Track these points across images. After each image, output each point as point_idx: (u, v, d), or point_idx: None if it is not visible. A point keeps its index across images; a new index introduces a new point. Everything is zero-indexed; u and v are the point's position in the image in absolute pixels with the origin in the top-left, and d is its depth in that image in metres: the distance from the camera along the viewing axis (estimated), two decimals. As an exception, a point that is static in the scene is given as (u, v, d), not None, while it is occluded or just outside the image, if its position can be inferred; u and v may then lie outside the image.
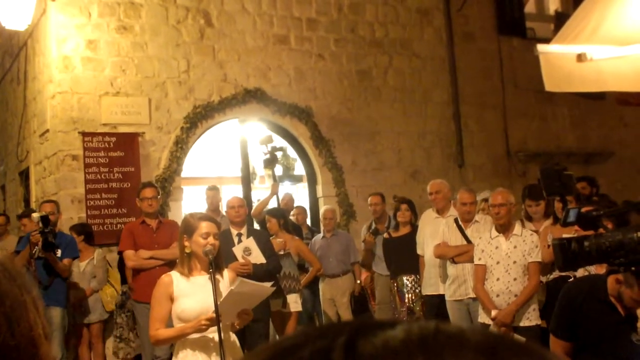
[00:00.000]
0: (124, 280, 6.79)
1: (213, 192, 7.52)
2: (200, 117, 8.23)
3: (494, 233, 5.13)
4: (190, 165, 8.50)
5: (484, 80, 10.27)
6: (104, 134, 7.70)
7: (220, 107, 8.37)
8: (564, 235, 3.03)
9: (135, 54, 7.99)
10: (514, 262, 4.98)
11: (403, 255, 6.55)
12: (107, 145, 7.67)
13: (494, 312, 4.93)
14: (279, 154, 8.49)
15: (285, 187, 9.47)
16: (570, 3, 10.50)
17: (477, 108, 10.16)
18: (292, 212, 8.14)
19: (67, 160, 7.60)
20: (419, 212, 7.06)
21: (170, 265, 5.45)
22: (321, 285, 7.34)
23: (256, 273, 5.66)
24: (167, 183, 7.90)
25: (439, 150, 9.82)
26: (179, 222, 4.40)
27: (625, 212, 3.08)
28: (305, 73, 9.00)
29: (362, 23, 9.46)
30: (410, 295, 6.49)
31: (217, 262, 3.45)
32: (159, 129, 8.06)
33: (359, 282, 7.38)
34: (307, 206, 8.85)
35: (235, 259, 5.70)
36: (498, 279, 5.01)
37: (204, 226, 3.47)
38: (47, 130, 7.92)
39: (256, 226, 7.29)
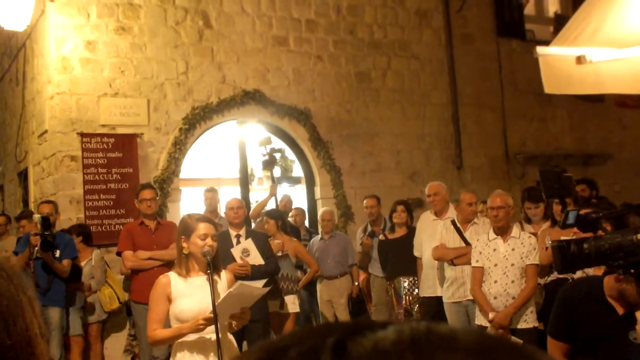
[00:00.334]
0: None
1: (211, 193, 7.53)
2: (198, 119, 8.23)
3: (492, 235, 5.13)
4: (189, 167, 8.50)
5: (483, 82, 10.28)
6: (102, 135, 7.69)
7: (218, 108, 8.37)
8: (563, 238, 3.03)
9: (133, 55, 7.99)
10: (512, 264, 4.98)
11: (399, 257, 6.55)
12: (106, 146, 7.66)
13: (491, 315, 4.92)
14: (277, 156, 8.49)
15: (284, 189, 9.47)
16: (570, 5, 10.52)
17: (475, 110, 10.17)
18: (290, 214, 8.14)
19: (66, 161, 7.59)
20: (417, 213, 7.07)
21: (168, 266, 5.45)
22: (319, 287, 7.33)
23: (255, 274, 5.66)
24: (166, 184, 7.90)
25: (438, 152, 9.82)
26: (178, 223, 4.40)
27: (624, 214, 3.08)
28: (304, 75, 9.00)
29: (360, 25, 9.47)
30: (407, 297, 6.48)
31: (214, 263, 3.45)
32: (158, 130, 8.05)
33: (356, 283, 7.37)
34: (305, 208, 8.85)
35: (233, 260, 5.70)
36: (496, 281, 5.01)
37: (202, 227, 3.47)
38: (46, 131, 7.91)
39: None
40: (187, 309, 3.39)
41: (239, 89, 8.52)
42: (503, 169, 10.32)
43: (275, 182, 8.10)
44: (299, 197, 9.48)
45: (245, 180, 8.91)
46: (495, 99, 10.35)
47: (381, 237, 6.92)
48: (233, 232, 6.00)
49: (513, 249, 5.01)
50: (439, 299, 5.97)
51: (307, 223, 8.52)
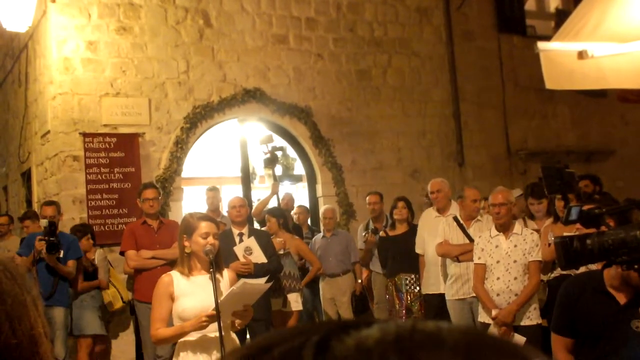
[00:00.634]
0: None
1: (213, 192, 7.53)
2: (200, 118, 8.23)
3: (494, 232, 5.12)
4: (191, 166, 8.50)
5: (484, 79, 10.26)
6: (104, 135, 7.70)
7: (219, 107, 8.37)
8: (566, 234, 3.03)
9: (135, 54, 7.99)
10: (514, 261, 4.97)
11: (400, 254, 6.53)
12: (108, 146, 7.67)
13: (494, 312, 4.92)
14: (279, 154, 8.50)
15: (285, 187, 9.47)
16: (571, 0, 10.50)
17: (477, 107, 10.15)
18: (293, 212, 8.14)
19: (68, 161, 7.60)
20: (419, 211, 7.06)
21: (171, 265, 5.46)
22: (321, 285, 7.33)
23: (257, 272, 5.67)
24: (168, 183, 7.91)
25: (439, 150, 9.81)
26: (180, 222, 4.40)
27: (627, 210, 3.07)
28: (304, 73, 9.00)
29: (361, 22, 9.46)
30: (408, 294, 6.47)
31: (216, 261, 3.45)
32: (159, 129, 8.06)
33: (359, 281, 7.37)
34: (306, 206, 8.84)
35: (236, 258, 5.71)
36: (498, 278, 5.00)
37: (204, 226, 3.47)
38: (48, 132, 7.92)
39: (257, 226, 7.29)
40: (189, 308, 3.39)
41: (240, 87, 8.52)
42: (505, 165, 10.31)
43: (277, 180, 8.10)
44: (300, 195, 9.48)
45: (246, 179, 8.92)
46: (496, 96, 10.34)
47: (381, 233, 6.91)
48: (236, 231, 6.01)
49: (515, 246, 5.00)
50: (442, 296, 5.96)
51: (309, 221, 8.52)
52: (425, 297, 6.35)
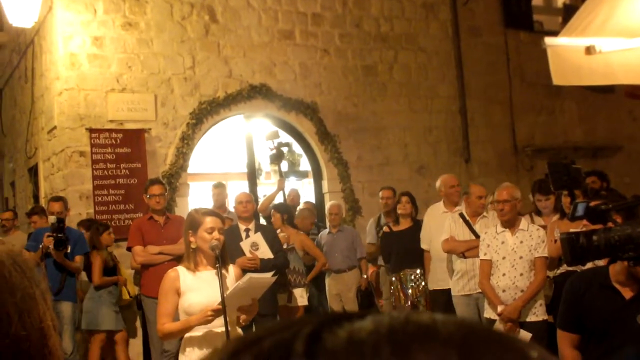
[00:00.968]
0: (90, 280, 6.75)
1: (219, 189, 7.54)
2: (205, 113, 8.24)
3: (500, 228, 5.10)
4: (197, 161, 8.52)
5: (491, 75, 10.23)
6: (110, 131, 7.72)
7: (225, 103, 8.38)
8: (572, 230, 3.02)
9: (140, 50, 8.00)
10: (520, 257, 4.96)
11: (404, 250, 6.51)
12: (114, 142, 7.69)
13: (500, 308, 4.91)
14: (285, 150, 8.50)
15: (291, 183, 9.48)
16: (578, -4, 10.44)
17: (483, 102, 10.13)
18: (299, 207, 8.15)
19: (75, 157, 7.63)
20: (425, 207, 7.04)
21: (178, 260, 5.48)
22: (327, 281, 7.34)
23: (264, 268, 5.68)
24: (174, 179, 7.92)
25: (445, 146, 9.80)
26: (185, 218, 4.41)
27: (634, 206, 3.06)
28: (310, 68, 8.99)
29: (367, 18, 9.44)
30: (414, 290, 6.47)
31: (222, 257, 3.46)
32: (165, 125, 8.08)
33: (365, 276, 7.37)
34: (312, 202, 8.85)
35: (243, 253, 5.72)
36: (504, 274, 4.99)
37: (209, 221, 3.48)
38: (55, 127, 7.95)
39: (263, 221, 7.30)
40: (195, 303, 3.40)
41: (246, 83, 8.52)
42: (511, 162, 10.29)
43: (282, 176, 8.11)
44: (306, 191, 9.49)
45: (252, 175, 8.93)
46: (503, 92, 10.31)
47: (385, 229, 6.89)
48: (242, 226, 6.02)
49: (521, 242, 4.99)
50: (449, 292, 5.95)
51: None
52: (433, 293, 6.33)
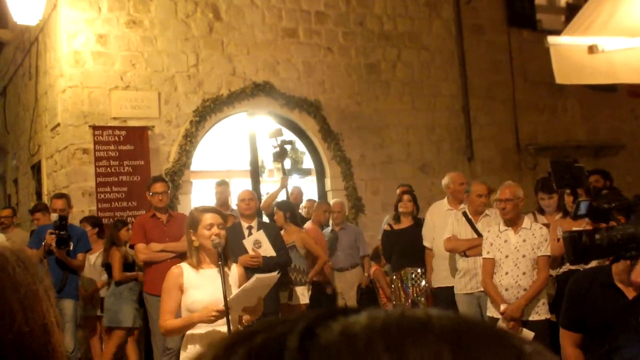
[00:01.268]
0: (110, 274, 6.77)
1: (222, 187, 7.54)
2: (209, 111, 8.26)
3: (503, 227, 5.10)
4: (200, 159, 8.53)
5: (494, 73, 10.22)
6: (114, 128, 7.74)
7: (229, 100, 8.39)
8: (575, 229, 3.02)
9: (144, 48, 8.02)
10: (523, 255, 4.95)
11: (406, 248, 6.50)
12: (117, 139, 7.71)
13: (503, 307, 4.91)
14: (288, 147, 8.50)
15: (294, 181, 9.48)
16: (581, -5, 10.41)
17: (486, 101, 10.12)
18: (303, 205, 8.15)
19: (78, 154, 7.65)
20: (428, 205, 7.03)
21: (181, 257, 5.48)
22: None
23: (266, 266, 5.69)
24: (177, 176, 7.94)
25: (448, 144, 9.79)
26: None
27: (636, 204, 3.06)
28: (313, 66, 8.99)
29: (370, 16, 9.44)
30: (414, 288, 6.46)
31: (225, 254, 3.47)
32: (169, 122, 8.09)
33: (366, 274, 7.37)
34: (315, 199, 8.85)
35: (245, 251, 5.73)
36: (507, 273, 4.99)
37: (206, 218, 3.50)
38: (58, 124, 7.97)
39: (266, 219, 7.31)
40: (198, 300, 3.41)
41: (249, 81, 8.53)
42: (514, 160, 10.28)
43: (285, 174, 8.11)
44: (309, 189, 9.49)
45: (255, 173, 8.93)
46: (506, 90, 10.30)
47: (386, 227, 6.88)
48: (245, 224, 6.02)
49: (524, 240, 4.98)
50: (453, 289, 5.95)
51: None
52: (437, 290, 6.31)
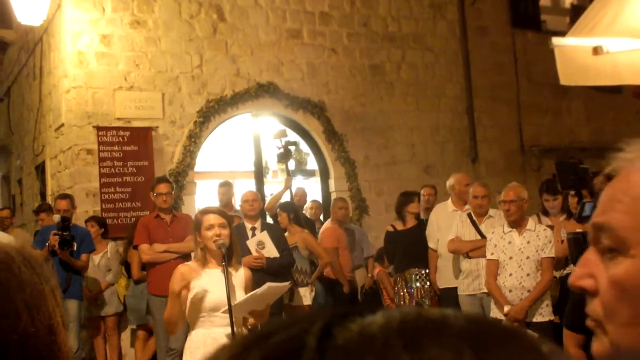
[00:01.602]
0: (129, 275, 6.81)
1: (224, 188, 7.53)
2: (213, 112, 8.26)
3: (507, 228, 5.10)
4: (204, 160, 8.54)
5: (498, 75, 10.21)
6: (118, 129, 7.75)
7: (233, 101, 8.39)
8: (579, 230, 3.01)
9: (148, 48, 8.03)
10: (527, 257, 4.95)
11: (410, 249, 6.49)
12: (121, 140, 7.72)
13: (506, 308, 4.91)
14: (292, 148, 8.50)
15: (298, 182, 9.48)
16: (586, -4, 10.39)
17: (490, 102, 10.10)
18: (307, 206, 8.15)
19: (82, 154, 7.66)
20: (432, 207, 7.02)
21: (185, 258, 5.50)
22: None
23: (270, 267, 5.69)
24: (181, 177, 7.94)
25: (452, 145, 9.78)
26: (193, 216, 4.45)
27: None
28: (318, 67, 8.99)
29: (374, 17, 9.43)
30: (419, 290, 6.45)
31: (229, 254, 3.49)
32: (172, 123, 8.10)
33: (370, 275, 7.36)
34: (319, 201, 8.85)
35: (249, 252, 5.73)
36: (511, 274, 4.98)
37: (207, 219, 3.55)
38: (62, 125, 7.99)
39: (269, 220, 7.31)
40: (203, 299, 3.45)
41: (253, 81, 8.53)
42: (518, 161, 10.26)
43: (289, 175, 8.11)
44: (313, 190, 9.49)
45: (259, 173, 8.93)
46: (510, 91, 10.28)
47: (389, 228, 6.87)
48: (248, 225, 6.03)
49: (528, 242, 4.98)
50: (457, 290, 5.94)
51: (321, 217, 8.51)
52: (443, 291, 6.30)
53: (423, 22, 9.77)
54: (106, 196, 7.59)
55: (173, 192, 6.24)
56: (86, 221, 7.03)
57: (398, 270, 6.64)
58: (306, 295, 6.44)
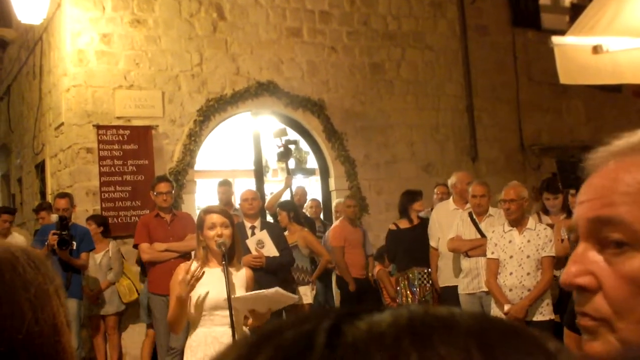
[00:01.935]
0: (145, 273, 6.82)
1: (224, 187, 7.53)
2: (213, 110, 8.26)
3: (507, 227, 5.10)
4: (204, 159, 8.54)
5: (498, 73, 10.21)
6: (118, 127, 7.75)
7: (233, 100, 8.39)
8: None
9: (148, 47, 8.02)
10: (528, 256, 4.95)
11: (412, 248, 6.50)
12: (121, 138, 7.72)
13: (506, 307, 4.91)
14: (292, 147, 8.50)
15: (298, 181, 9.48)
16: (586, -5, 10.39)
17: (490, 101, 10.10)
18: (307, 205, 8.15)
19: (82, 153, 7.66)
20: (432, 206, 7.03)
21: (185, 257, 5.50)
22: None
23: (269, 266, 5.69)
24: (181, 176, 7.94)
25: (452, 144, 9.78)
26: (193, 215, 4.45)
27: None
28: (318, 66, 8.99)
29: (375, 16, 9.43)
30: (421, 289, 6.46)
31: (229, 254, 3.49)
32: (172, 122, 8.09)
33: (370, 274, 7.37)
34: (319, 199, 8.85)
35: (248, 251, 5.73)
36: (511, 273, 4.99)
37: (210, 218, 3.56)
38: (62, 124, 7.98)
39: (269, 219, 7.31)
40: (204, 298, 3.45)
41: (253, 80, 8.53)
42: (518, 160, 10.26)
43: (289, 173, 8.11)
44: (313, 189, 9.49)
45: (259, 172, 8.93)
46: (510, 90, 10.28)
47: (392, 226, 6.88)
48: (248, 224, 6.02)
49: (529, 241, 4.98)
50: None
51: (321, 215, 8.52)
52: (443, 289, 6.31)
53: (423, 21, 9.76)
54: (106, 195, 7.59)
55: (173, 191, 6.24)
56: (86, 220, 7.03)
57: (400, 269, 6.65)
58: (307, 294, 6.45)
